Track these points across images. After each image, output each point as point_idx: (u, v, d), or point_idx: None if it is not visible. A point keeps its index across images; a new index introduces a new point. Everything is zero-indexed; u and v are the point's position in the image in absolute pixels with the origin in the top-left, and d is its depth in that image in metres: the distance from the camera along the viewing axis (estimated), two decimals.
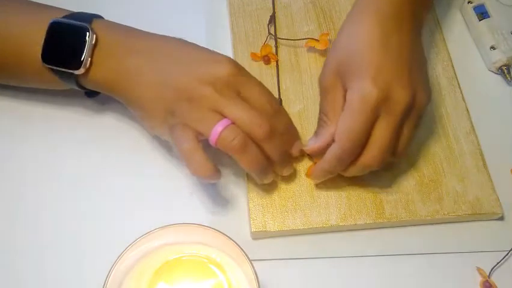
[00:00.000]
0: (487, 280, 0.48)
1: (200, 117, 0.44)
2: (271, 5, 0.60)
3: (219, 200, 0.51)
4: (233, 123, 0.44)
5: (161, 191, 0.51)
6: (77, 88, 0.49)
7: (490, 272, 0.49)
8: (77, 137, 0.53)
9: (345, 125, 0.45)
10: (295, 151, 0.49)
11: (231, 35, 0.58)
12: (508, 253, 0.50)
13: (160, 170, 0.52)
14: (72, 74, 0.47)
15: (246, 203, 0.50)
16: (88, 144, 0.53)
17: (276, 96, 0.55)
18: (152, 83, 0.46)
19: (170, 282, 0.41)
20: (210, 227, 0.41)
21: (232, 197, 0.51)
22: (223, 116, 0.44)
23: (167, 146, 0.53)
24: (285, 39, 0.58)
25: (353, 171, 0.47)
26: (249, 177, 0.50)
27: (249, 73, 0.47)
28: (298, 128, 0.53)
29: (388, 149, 0.46)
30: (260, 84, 0.47)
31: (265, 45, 0.57)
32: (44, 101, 0.54)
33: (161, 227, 0.41)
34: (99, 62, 0.47)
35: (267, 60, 0.56)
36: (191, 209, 0.50)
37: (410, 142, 0.48)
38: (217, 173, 0.44)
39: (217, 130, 0.43)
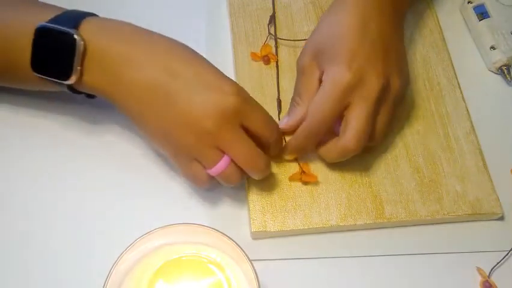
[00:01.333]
0: (487, 280, 0.48)
1: (202, 152, 0.45)
2: (271, 5, 0.60)
3: (219, 200, 0.51)
4: (231, 158, 0.45)
5: (161, 191, 0.51)
6: (73, 93, 0.48)
7: (490, 272, 0.49)
8: (78, 138, 0.53)
9: (316, 105, 0.47)
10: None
11: (231, 35, 0.58)
12: (508, 253, 0.50)
13: (160, 170, 0.52)
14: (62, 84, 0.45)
15: (246, 203, 0.50)
16: (87, 144, 0.53)
17: (276, 95, 0.55)
18: (153, 107, 0.45)
19: (170, 282, 0.41)
20: (210, 227, 0.41)
21: (232, 197, 0.51)
22: (224, 152, 0.45)
23: None
24: (285, 39, 0.58)
25: (333, 155, 0.49)
26: (249, 177, 0.50)
27: (254, 101, 0.46)
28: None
29: (364, 133, 0.47)
30: (263, 114, 0.47)
31: (265, 45, 0.57)
32: (43, 104, 0.54)
33: (161, 227, 0.41)
34: (90, 69, 0.45)
35: (267, 60, 0.56)
36: (191, 209, 0.50)
37: (386, 127, 0.49)
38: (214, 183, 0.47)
39: (217, 170, 0.45)
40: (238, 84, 0.46)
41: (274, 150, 0.50)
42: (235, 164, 0.45)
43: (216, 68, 0.46)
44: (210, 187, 0.48)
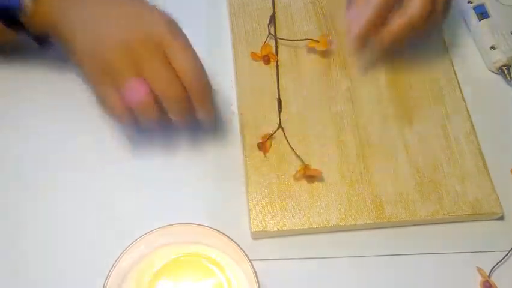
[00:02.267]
0: (487, 280, 0.48)
1: (122, 74, 0.45)
2: (271, 5, 0.60)
3: (219, 200, 0.51)
4: (149, 84, 0.45)
5: (161, 191, 0.51)
6: (25, 35, 0.48)
7: (490, 272, 0.49)
8: (77, 135, 0.53)
9: None
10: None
11: (231, 35, 0.58)
12: (508, 253, 0.50)
13: (160, 170, 0.52)
14: (15, 14, 0.46)
15: (246, 203, 0.50)
16: (84, 144, 0.53)
17: (276, 94, 0.55)
18: (88, 35, 0.46)
19: (170, 282, 0.41)
20: (210, 227, 0.41)
21: (232, 197, 0.51)
22: (143, 77, 0.45)
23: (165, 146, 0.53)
24: (285, 39, 0.58)
25: (400, 28, 0.51)
26: (249, 177, 0.50)
27: (183, 35, 0.47)
28: (298, 128, 0.53)
29: None
30: (189, 53, 0.46)
31: (265, 45, 0.57)
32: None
33: (161, 227, 0.41)
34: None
35: (267, 60, 0.56)
36: (191, 209, 0.50)
37: None
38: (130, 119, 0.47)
39: (134, 94, 0.45)
40: (172, 19, 0.47)
41: (197, 99, 0.47)
42: (153, 93, 0.45)
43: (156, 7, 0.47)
44: (126, 121, 0.47)
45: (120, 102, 0.46)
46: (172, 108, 0.46)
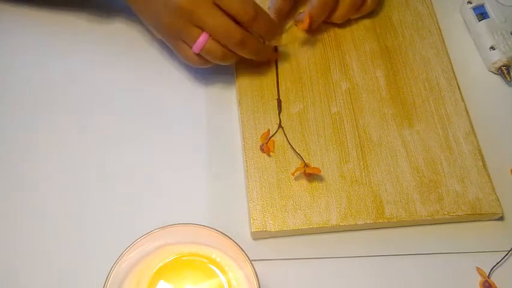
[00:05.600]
0: (487, 280, 0.48)
1: (182, 31, 0.50)
2: (270, 4, 0.60)
3: (219, 200, 0.51)
4: (210, 35, 0.50)
5: (161, 191, 0.51)
6: None
7: (489, 272, 0.49)
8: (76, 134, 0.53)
9: None
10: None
11: None
12: (507, 253, 0.50)
13: (160, 170, 0.52)
14: None
15: (246, 203, 0.50)
16: (83, 144, 0.53)
17: (276, 95, 0.55)
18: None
19: (170, 283, 0.41)
20: (210, 227, 0.41)
21: (232, 197, 0.51)
22: (202, 30, 0.50)
23: (164, 143, 0.53)
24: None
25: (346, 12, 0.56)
26: (249, 177, 0.51)
27: None
28: (298, 128, 0.53)
29: None
30: None
31: None
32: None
33: (161, 227, 0.41)
34: None
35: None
36: (191, 209, 0.50)
37: None
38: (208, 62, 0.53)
39: (198, 46, 0.51)
40: None
41: (258, 29, 0.52)
42: (214, 39, 0.50)
43: None
44: (202, 65, 0.53)
45: (191, 52, 0.52)
46: (237, 50, 0.52)
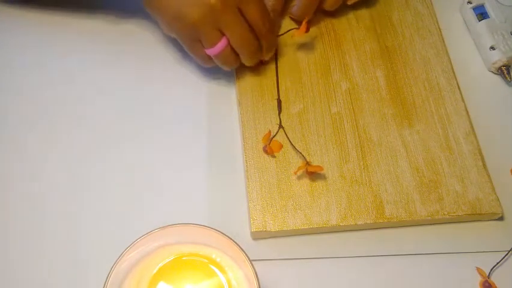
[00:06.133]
0: (487, 280, 0.48)
1: (204, 31, 0.51)
2: None
3: (219, 200, 0.51)
4: (229, 41, 0.51)
5: (161, 191, 0.51)
6: None
7: (489, 272, 0.49)
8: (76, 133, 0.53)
9: None
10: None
11: None
12: (507, 253, 0.50)
13: (160, 170, 0.52)
14: None
15: (246, 203, 0.50)
16: (82, 144, 0.53)
17: (276, 95, 0.55)
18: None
19: (170, 283, 0.41)
20: (210, 227, 0.41)
21: (232, 197, 0.51)
22: (222, 34, 0.51)
23: (164, 141, 0.53)
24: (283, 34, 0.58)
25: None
26: (249, 177, 0.51)
27: None
28: (298, 128, 0.53)
29: None
30: (259, 3, 0.52)
31: None
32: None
33: (162, 227, 0.41)
34: None
35: (265, 61, 0.56)
36: (191, 209, 0.50)
37: None
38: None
39: (216, 50, 0.51)
40: None
41: (267, 42, 0.53)
42: (232, 47, 0.52)
43: None
44: (210, 65, 0.54)
45: (204, 53, 0.53)
46: (245, 56, 0.53)
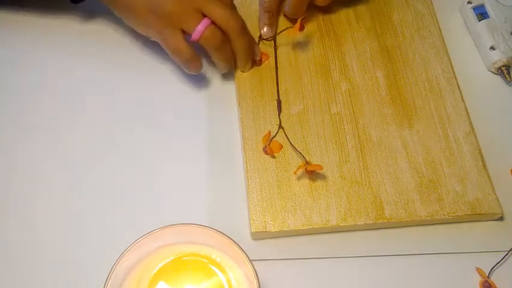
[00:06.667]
0: (487, 280, 0.48)
1: (184, 17, 0.50)
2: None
3: (219, 200, 0.51)
4: (212, 22, 0.51)
5: (161, 191, 0.51)
6: None
7: (489, 272, 0.49)
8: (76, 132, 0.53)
9: None
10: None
11: None
12: (507, 253, 0.50)
13: (159, 170, 0.52)
14: None
15: (246, 203, 0.50)
16: (80, 144, 0.53)
17: (275, 96, 0.55)
18: None
19: (170, 283, 0.41)
20: (210, 227, 0.41)
21: (232, 197, 0.51)
22: (204, 15, 0.50)
23: (164, 141, 0.53)
24: (267, 40, 0.58)
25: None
26: (249, 178, 0.51)
27: None
28: (298, 128, 0.53)
29: None
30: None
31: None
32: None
33: (162, 227, 0.41)
34: None
35: (259, 62, 0.56)
36: (191, 209, 0.50)
37: None
38: (200, 61, 0.53)
39: (199, 29, 0.51)
40: None
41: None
42: (215, 26, 0.51)
43: None
44: (193, 60, 0.52)
45: (186, 44, 0.51)
46: (236, 37, 0.52)
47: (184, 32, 0.51)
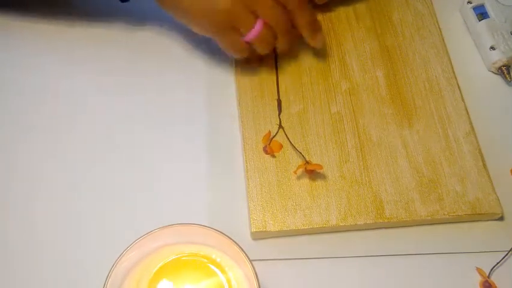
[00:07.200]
0: (487, 280, 0.48)
1: (239, 17, 0.51)
2: None
3: (219, 200, 0.51)
4: (265, 22, 0.51)
5: (161, 191, 0.51)
6: None
7: (489, 272, 0.49)
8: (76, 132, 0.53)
9: None
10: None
11: None
12: (507, 253, 0.50)
13: (159, 170, 0.52)
14: None
15: (246, 203, 0.50)
16: (80, 145, 0.53)
17: (275, 96, 0.55)
18: None
19: (170, 283, 0.41)
20: (210, 227, 0.41)
21: (232, 197, 0.51)
22: (257, 16, 0.51)
23: (164, 142, 0.53)
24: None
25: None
26: (249, 177, 0.51)
27: None
28: (298, 128, 0.53)
29: None
30: None
31: None
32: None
33: (161, 227, 0.41)
34: None
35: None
36: (191, 209, 0.50)
37: None
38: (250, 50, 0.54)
39: (254, 33, 0.51)
40: None
41: (300, 19, 0.53)
42: (269, 27, 0.51)
43: None
44: (246, 54, 0.54)
45: (245, 44, 0.53)
46: (284, 36, 0.53)
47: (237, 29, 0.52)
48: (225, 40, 0.53)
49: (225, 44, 0.53)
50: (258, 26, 0.51)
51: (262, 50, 0.53)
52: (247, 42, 0.52)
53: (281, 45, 0.54)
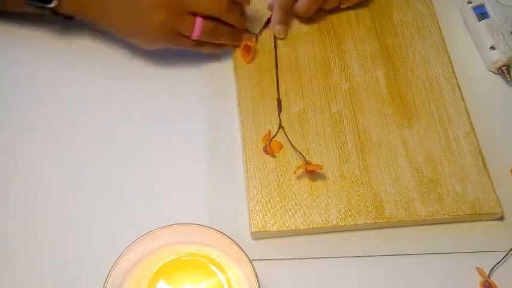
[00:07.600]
0: (487, 280, 0.48)
1: (178, 23, 0.51)
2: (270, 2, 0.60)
3: (219, 200, 0.51)
4: (203, 16, 0.52)
5: (161, 191, 0.51)
6: (53, 14, 0.53)
7: (489, 272, 0.49)
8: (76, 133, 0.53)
9: None
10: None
11: None
12: (507, 253, 0.50)
13: (159, 170, 0.52)
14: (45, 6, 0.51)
15: (246, 203, 0.50)
16: (79, 145, 0.53)
17: (275, 95, 0.55)
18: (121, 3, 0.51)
19: (170, 283, 0.41)
20: (210, 227, 0.41)
21: (232, 197, 0.51)
22: (195, 14, 0.52)
23: (164, 142, 0.53)
24: (281, 39, 0.58)
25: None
26: (249, 177, 0.50)
27: None
28: (298, 128, 0.53)
29: None
30: None
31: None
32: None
33: (161, 227, 0.41)
34: None
35: (248, 49, 0.57)
36: (191, 209, 0.50)
37: None
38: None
39: (197, 31, 0.52)
40: None
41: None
42: (209, 19, 0.52)
43: None
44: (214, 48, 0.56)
45: (190, 41, 0.53)
46: (225, 17, 0.53)
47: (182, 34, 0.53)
48: (177, 46, 0.54)
49: (181, 48, 0.54)
50: (198, 22, 0.52)
51: (218, 39, 0.54)
52: (197, 40, 0.53)
53: (227, 19, 0.54)
